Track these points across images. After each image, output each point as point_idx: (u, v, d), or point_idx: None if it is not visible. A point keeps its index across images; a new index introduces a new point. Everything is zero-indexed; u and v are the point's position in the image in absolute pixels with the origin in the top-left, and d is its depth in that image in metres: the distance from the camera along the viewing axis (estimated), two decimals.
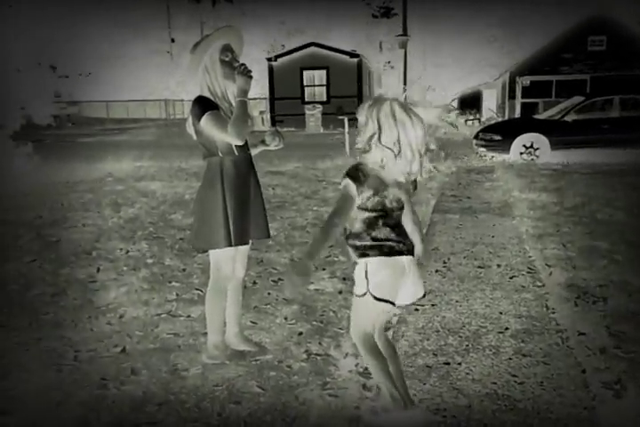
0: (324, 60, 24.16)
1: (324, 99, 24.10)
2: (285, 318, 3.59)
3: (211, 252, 2.92)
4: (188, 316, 3.64)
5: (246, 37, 3.05)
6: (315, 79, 24.72)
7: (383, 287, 2.26)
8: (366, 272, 2.29)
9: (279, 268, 4.62)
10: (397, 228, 2.33)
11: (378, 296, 2.26)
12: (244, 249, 3.01)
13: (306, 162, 11.46)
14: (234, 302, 3.10)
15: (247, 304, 3.71)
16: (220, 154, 2.82)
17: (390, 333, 3.30)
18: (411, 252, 2.35)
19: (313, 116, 22.80)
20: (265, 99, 26.85)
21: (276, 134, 3.01)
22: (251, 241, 3.01)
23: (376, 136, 2.19)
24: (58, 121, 28.27)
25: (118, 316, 3.65)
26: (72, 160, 12.15)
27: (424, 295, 2.45)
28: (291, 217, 6.50)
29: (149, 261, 4.83)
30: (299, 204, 7.29)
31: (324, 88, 24.47)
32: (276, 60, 24.76)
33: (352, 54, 24.48)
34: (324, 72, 24.41)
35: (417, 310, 3.70)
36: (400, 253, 2.29)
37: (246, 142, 2.92)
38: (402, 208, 2.35)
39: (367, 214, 2.27)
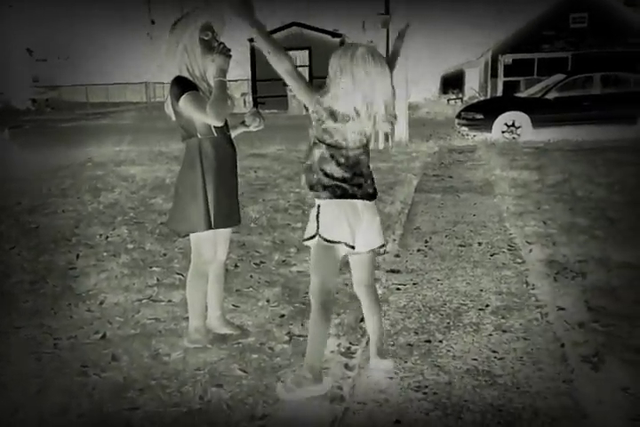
0: (306, 41, 23.88)
1: (307, 79, 23.88)
2: (267, 301, 3.59)
3: (191, 235, 2.89)
4: (169, 301, 3.62)
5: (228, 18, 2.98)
6: (297, 60, 24.44)
7: (333, 228, 2.22)
8: (318, 213, 2.26)
9: (261, 251, 4.60)
10: (355, 167, 2.26)
11: (327, 238, 2.23)
12: (225, 232, 2.98)
13: (288, 144, 11.39)
14: (215, 285, 3.08)
15: (229, 288, 3.70)
16: (199, 135, 2.77)
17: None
18: (368, 196, 2.28)
19: (295, 97, 22.61)
20: (247, 80, 26.56)
21: (256, 115, 2.96)
22: None
23: (338, 91, 2.16)
24: (36, 106, 27.82)
25: (98, 302, 3.62)
26: (51, 145, 11.99)
27: (383, 246, 2.43)
28: (273, 199, 6.48)
29: (130, 246, 4.79)
30: (281, 186, 7.26)
31: (307, 69, 24.23)
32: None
33: (334, 34, 24.22)
34: (306, 52, 24.14)
35: (399, 289, 3.72)
36: (353, 196, 2.23)
37: (226, 124, 2.87)
38: (364, 146, 2.30)
39: (322, 149, 2.25)
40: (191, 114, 2.70)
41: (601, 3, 23.13)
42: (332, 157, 2.25)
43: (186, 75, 2.75)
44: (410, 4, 12.56)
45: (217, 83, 2.67)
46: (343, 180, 2.24)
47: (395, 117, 2.31)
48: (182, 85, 2.69)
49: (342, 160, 2.25)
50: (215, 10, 2.85)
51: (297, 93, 2.27)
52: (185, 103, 2.67)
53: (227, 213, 2.84)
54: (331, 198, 2.24)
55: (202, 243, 2.87)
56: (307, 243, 2.36)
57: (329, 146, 2.23)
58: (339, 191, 2.23)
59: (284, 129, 13.32)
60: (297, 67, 2.24)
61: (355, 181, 2.27)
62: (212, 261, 2.96)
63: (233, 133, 2.98)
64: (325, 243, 2.25)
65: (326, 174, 2.24)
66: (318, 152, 2.28)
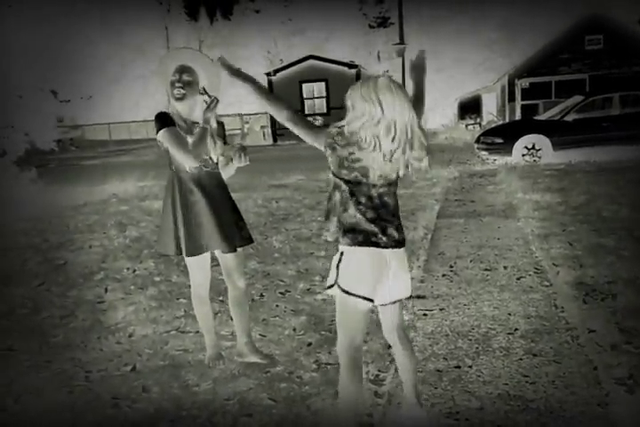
0: (323, 73, 24.27)
1: (325, 110, 24.19)
2: (294, 330, 3.59)
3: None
4: (197, 331, 3.62)
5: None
6: (314, 91, 24.83)
7: (353, 280, 2.01)
8: (339, 261, 2.06)
9: (286, 280, 4.62)
10: (379, 209, 2.03)
11: (346, 289, 2.00)
12: (231, 258, 2.99)
13: (308, 174, 11.46)
14: (239, 312, 3.13)
15: (255, 317, 3.72)
16: (173, 168, 2.90)
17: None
18: (394, 244, 2.03)
19: None
20: (265, 114, 26.97)
21: (240, 151, 2.93)
22: (241, 250, 3.01)
23: (363, 121, 1.98)
24: (61, 145, 28.46)
25: (127, 335, 3.66)
26: (76, 183, 12.24)
27: (410, 297, 2.18)
28: (295, 229, 6.52)
29: (157, 279, 4.85)
30: (303, 215, 7.31)
31: (324, 100, 24.58)
32: (274, 75, 24.90)
33: (350, 65, 24.60)
34: (323, 84, 24.52)
35: (425, 315, 3.70)
36: (376, 244, 1.99)
37: (211, 160, 2.94)
38: (389, 184, 2.07)
39: (341, 188, 2.05)
40: (168, 148, 2.82)
41: (615, 24, 23.21)
42: (352, 195, 2.02)
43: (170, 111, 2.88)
44: (424, 33, 12.73)
45: (200, 129, 2.79)
46: (364, 223, 2.01)
47: (426, 147, 2.09)
48: (160, 121, 2.81)
49: (363, 200, 2.02)
50: (190, 53, 2.91)
51: (304, 138, 2.15)
52: (163, 138, 2.79)
53: (196, 242, 2.88)
54: (351, 246, 2.01)
55: (189, 266, 3.03)
56: (328, 292, 2.13)
57: (348, 182, 2.02)
58: (360, 237, 2.00)
59: (303, 159, 13.42)
60: (299, 111, 2.20)
61: (378, 226, 2.02)
62: (201, 285, 3.08)
63: (229, 171, 3.05)
64: (345, 294, 2.03)
65: (345, 217, 2.03)
66: (338, 192, 2.07)
